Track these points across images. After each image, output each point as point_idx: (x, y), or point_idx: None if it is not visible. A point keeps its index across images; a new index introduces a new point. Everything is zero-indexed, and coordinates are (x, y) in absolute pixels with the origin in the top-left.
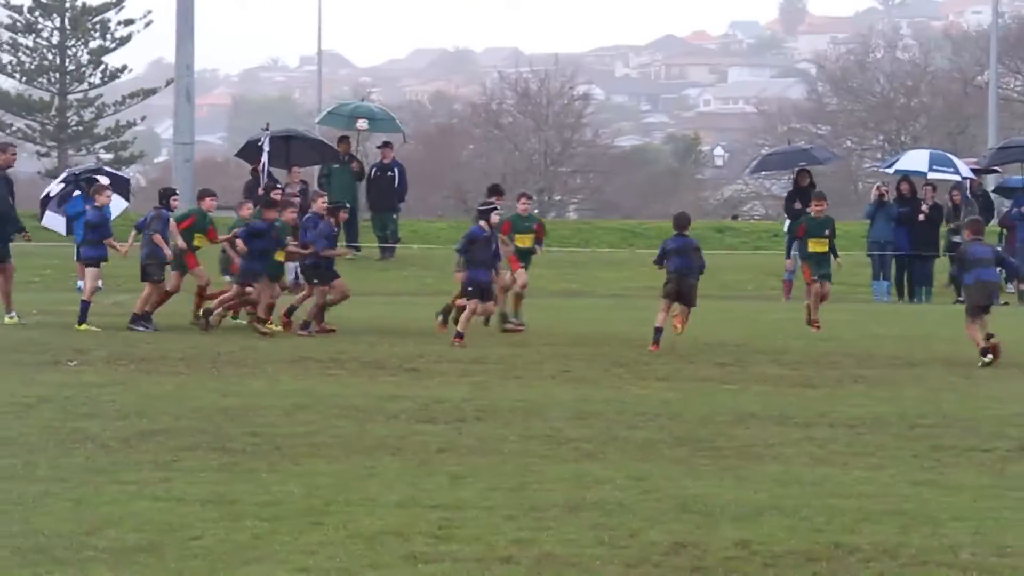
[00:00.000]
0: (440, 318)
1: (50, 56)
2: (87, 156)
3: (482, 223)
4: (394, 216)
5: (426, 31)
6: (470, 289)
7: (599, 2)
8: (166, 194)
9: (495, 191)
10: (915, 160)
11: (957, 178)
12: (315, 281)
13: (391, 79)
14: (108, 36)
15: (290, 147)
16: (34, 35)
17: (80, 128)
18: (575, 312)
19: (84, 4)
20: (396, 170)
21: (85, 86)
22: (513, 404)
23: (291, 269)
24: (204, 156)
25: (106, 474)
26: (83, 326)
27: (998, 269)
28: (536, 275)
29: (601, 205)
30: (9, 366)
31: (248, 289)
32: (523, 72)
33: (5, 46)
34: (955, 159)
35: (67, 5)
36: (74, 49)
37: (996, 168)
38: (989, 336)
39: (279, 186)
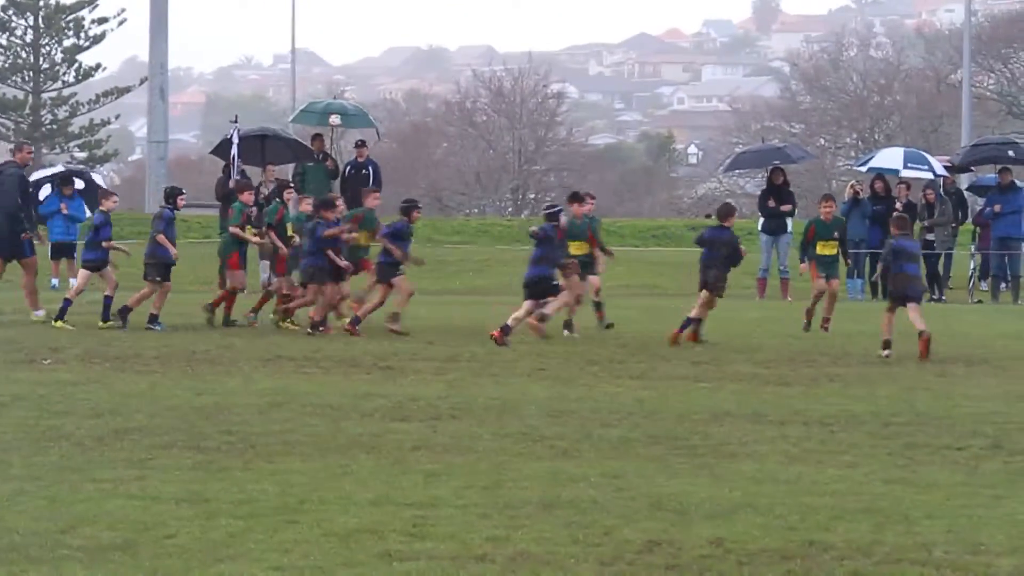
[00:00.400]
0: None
1: (24, 55)
2: (61, 155)
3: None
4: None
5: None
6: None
7: (573, 0)
8: (172, 193)
9: (574, 198)
10: (889, 158)
11: (931, 176)
12: (384, 280)
13: (365, 77)
14: (82, 34)
15: (265, 145)
16: (8, 34)
17: (54, 126)
18: None
19: (58, 3)
20: (370, 168)
21: (59, 84)
22: (488, 402)
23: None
24: (178, 154)
25: (81, 472)
26: (59, 323)
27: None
28: (510, 272)
29: None
30: None
31: (310, 288)
32: (497, 70)
33: None
34: (929, 157)
35: (41, 4)
36: (48, 47)
37: (970, 167)
38: (921, 332)
39: (239, 179)
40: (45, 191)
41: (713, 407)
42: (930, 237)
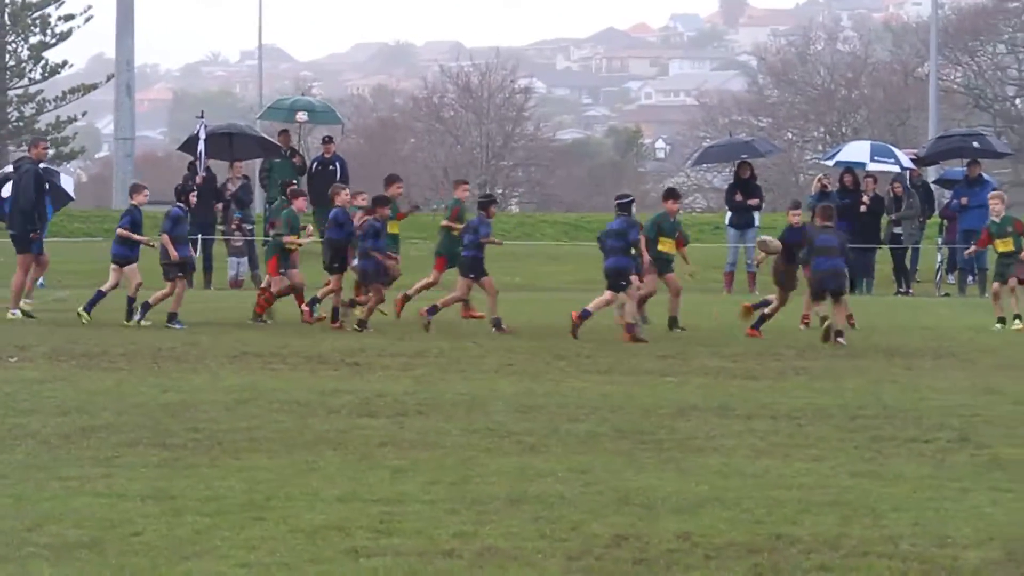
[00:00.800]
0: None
1: None
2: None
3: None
4: None
5: (367, 25)
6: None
7: None
8: (184, 191)
9: (670, 195)
10: (856, 151)
11: (897, 169)
12: (472, 276)
13: (332, 73)
14: (48, 32)
15: (232, 141)
16: None
17: (20, 124)
18: (517, 306)
19: (24, 0)
20: (337, 164)
21: (25, 82)
22: (455, 398)
23: (233, 264)
24: (145, 151)
25: (47, 470)
26: (137, 322)
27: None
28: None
29: (543, 198)
30: None
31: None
32: (464, 66)
33: None
34: (896, 150)
35: (6, 1)
36: (14, 45)
37: (937, 161)
38: (824, 318)
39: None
40: (7, 191)
41: (680, 401)
42: (897, 230)
